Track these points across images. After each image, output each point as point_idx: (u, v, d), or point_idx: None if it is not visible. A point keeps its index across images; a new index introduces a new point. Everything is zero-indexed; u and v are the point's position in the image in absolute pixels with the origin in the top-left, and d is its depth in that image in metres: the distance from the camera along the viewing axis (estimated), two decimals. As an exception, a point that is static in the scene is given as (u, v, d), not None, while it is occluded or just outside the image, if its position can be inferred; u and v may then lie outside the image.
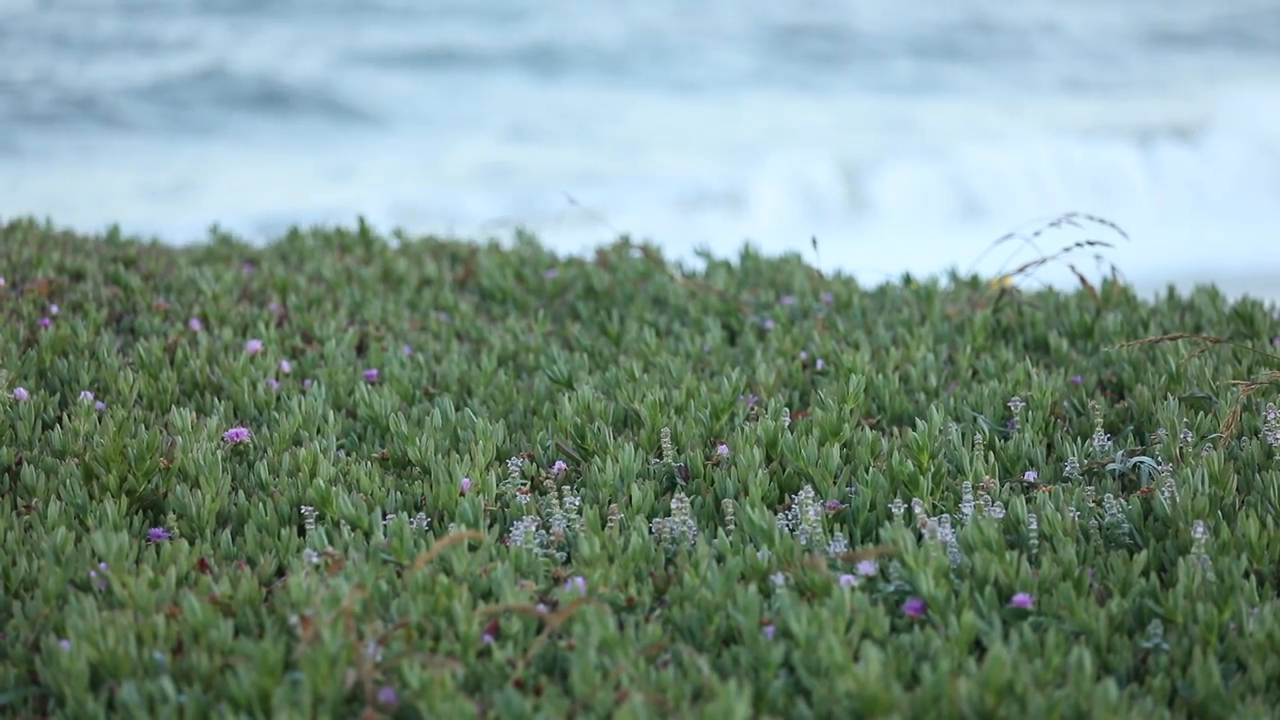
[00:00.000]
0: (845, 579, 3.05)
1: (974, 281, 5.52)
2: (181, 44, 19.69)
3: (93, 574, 3.16)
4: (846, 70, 19.96)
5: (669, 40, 20.72)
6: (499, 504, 3.62)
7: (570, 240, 6.14)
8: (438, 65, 19.71)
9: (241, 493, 3.62)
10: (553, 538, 3.38)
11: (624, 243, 5.88)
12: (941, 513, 3.46)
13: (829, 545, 3.29)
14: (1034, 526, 3.28)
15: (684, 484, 3.74)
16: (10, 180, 15.82)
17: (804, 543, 3.30)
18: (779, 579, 3.05)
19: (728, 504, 3.44)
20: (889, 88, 19.48)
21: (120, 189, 15.61)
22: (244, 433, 3.92)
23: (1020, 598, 3.00)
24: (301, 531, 3.51)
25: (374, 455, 3.90)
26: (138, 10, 20.91)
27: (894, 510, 3.24)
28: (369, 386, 4.29)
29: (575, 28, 20.75)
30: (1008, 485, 3.66)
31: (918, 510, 3.36)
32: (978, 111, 18.42)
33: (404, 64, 19.56)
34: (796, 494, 3.56)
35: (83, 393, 4.02)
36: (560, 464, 3.80)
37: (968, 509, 3.36)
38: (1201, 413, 3.84)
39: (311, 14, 21.22)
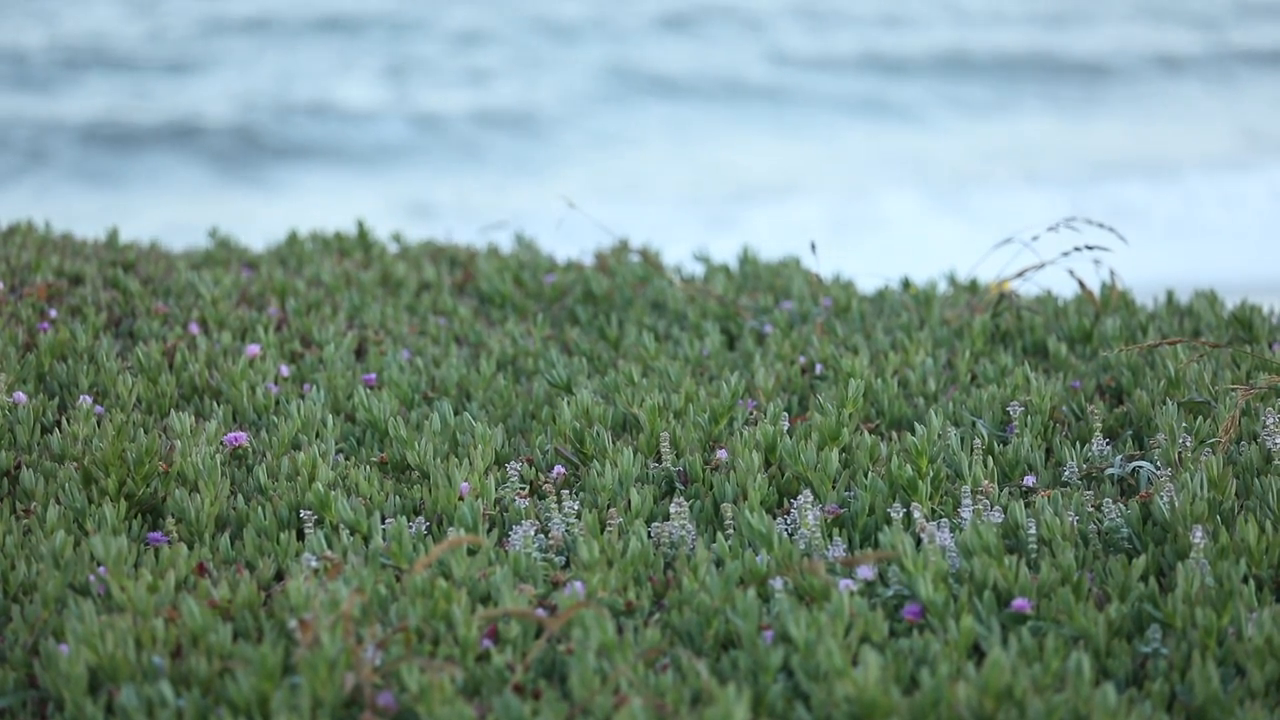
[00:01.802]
0: (844, 583, 3.05)
1: (973, 286, 5.53)
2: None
3: (91, 578, 3.16)
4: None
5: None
6: (498, 508, 3.62)
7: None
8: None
9: (240, 496, 3.62)
10: (552, 542, 3.38)
11: (623, 247, 5.88)
12: (940, 517, 3.47)
13: (828, 549, 3.29)
14: (1033, 531, 3.28)
15: (683, 488, 3.74)
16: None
17: (803, 547, 3.30)
18: (778, 583, 3.05)
19: (726, 508, 3.44)
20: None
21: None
22: (243, 436, 3.92)
23: (1019, 602, 3.00)
24: (300, 535, 3.51)
25: (373, 459, 3.90)
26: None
27: (893, 515, 3.24)
28: (368, 390, 4.29)
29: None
30: (1006, 490, 3.66)
31: (917, 515, 3.36)
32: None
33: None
34: (795, 498, 3.56)
35: (82, 396, 4.02)
36: (559, 468, 3.80)
37: (967, 513, 3.36)
38: (1200, 417, 3.84)
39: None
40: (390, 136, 17.71)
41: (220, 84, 18.98)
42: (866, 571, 3.09)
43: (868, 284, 5.66)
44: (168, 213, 14.87)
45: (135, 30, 20.48)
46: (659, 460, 3.86)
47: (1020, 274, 5.05)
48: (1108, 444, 3.82)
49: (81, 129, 17.20)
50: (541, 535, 3.38)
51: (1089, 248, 4.95)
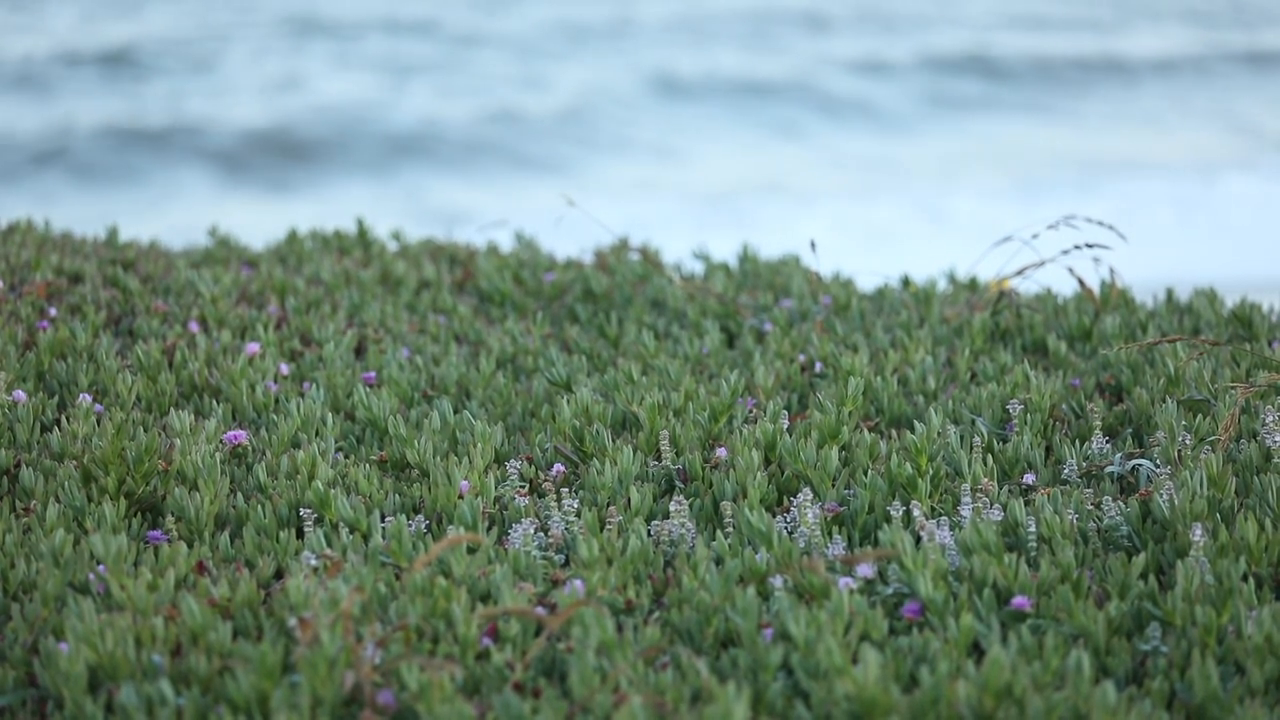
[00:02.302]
0: (844, 581, 3.05)
1: (972, 284, 5.53)
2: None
3: (91, 576, 3.16)
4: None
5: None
6: (497, 506, 3.62)
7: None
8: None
9: (240, 495, 3.62)
10: (551, 540, 3.38)
11: (623, 245, 5.88)
12: (940, 515, 3.47)
13: (827, 548, 3.29)
14: (1032, 529, 3.28)
15: (683, 486, 3.74)
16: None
17: (802, 545, 3.30)
18: (778, 581, 3.05)
19: (726, 506, 3.44)
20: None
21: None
22: (242, 435, 3.92)
23: (1019, 600, 3.00)
24: (300, 534, 3.51)
25: (373, 458, 3.90)
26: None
27: (892, 513, 3.24)
28: (367, 389, 4.29)
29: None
30: (1006, 488, 3.66)
31: (916, 513, 3.36)
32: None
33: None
34: (795, 496, 3.56)
35: (81, 395, 4.01)
36: (559, 466, 3.80)
37: (966, 511, 3.36)
38: (1200, 415, 3.84)
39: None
40: (394, 136, 17.71)
41: (235, 85, 18.99)
42: (866, 570, 3.09)
43: (867, 282, 5.66)
44: (183, 215, 14.88)
45: (145, 31, 20.51)
46: (659, 458, 3.86)
47: (1020, 272, 5.05)
48: (1107, 442, 3.82)
49: (93, 131, 17.21)
50: (541, 533, 3.38)
51: (1088, 246, 4.95)
